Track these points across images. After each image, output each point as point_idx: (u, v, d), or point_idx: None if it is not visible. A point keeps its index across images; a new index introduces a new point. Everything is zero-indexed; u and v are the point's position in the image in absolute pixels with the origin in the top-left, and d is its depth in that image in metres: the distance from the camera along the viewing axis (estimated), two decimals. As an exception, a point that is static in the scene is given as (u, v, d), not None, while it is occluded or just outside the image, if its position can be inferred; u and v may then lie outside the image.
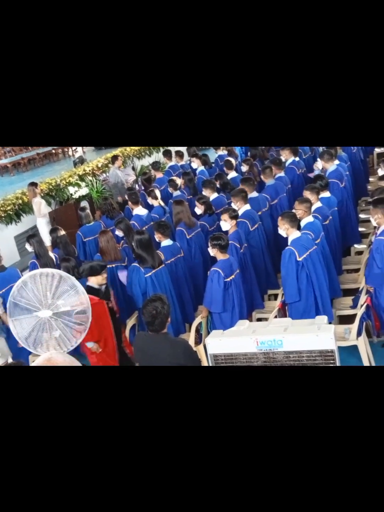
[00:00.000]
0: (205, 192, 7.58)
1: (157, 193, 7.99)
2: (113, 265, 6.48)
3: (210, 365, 4.26)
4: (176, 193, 8.31)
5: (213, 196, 7.53)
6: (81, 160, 12.26)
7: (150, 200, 8.00)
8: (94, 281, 5.12)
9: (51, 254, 6.70)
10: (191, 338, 5.41)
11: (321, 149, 9.70)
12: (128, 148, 12.43)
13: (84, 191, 10.10)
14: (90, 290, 4.79)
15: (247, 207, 6.54)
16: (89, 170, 10.97)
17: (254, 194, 7.11)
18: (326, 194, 6.62)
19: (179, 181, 8.46)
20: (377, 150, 11.63)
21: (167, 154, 10.53)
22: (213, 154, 10.97)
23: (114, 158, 10.42)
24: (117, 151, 12.15)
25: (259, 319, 6.02)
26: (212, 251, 5.35)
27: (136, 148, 12.59)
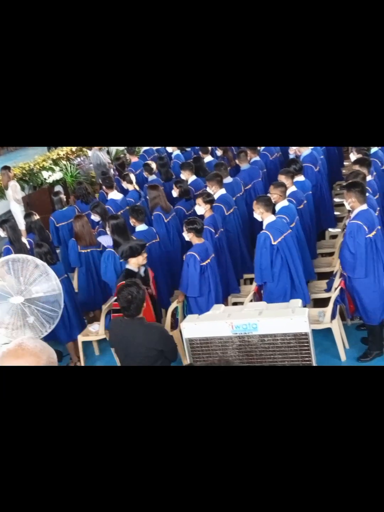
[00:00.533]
0: (183, 175, 7.55)
1: (132, 177, 7.92)
2: (89, 250, 6.43)
3: (186, 349, 4.28)
4: (151, 177, 8.25)
5: (191, 178, 7.50)
6: (55, 144, 12.09)
7: (125, 184, 7.93)
8: (134, 263, 4.90)
9: (25, 240, 6.61)
10: (166, 322, 5.41)
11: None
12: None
13: (58, 175, 9.98)
14: (128, 274, 4.71)
15: (223, 191, 6.53)
16: (63, 155, 10.81)
17: (228, 178, 7.10)
18: (300, 178, 6.65)
19: (154, 165, 8.40)
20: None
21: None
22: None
23: None
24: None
25: (235, 303, 6.04)
26: (187, 236, 5.34)
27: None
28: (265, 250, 5.22)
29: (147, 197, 7.07)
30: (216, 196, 6.40)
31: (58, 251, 7.55)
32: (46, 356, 1.83)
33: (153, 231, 6.22)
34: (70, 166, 10.41)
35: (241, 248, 6.59)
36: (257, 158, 8.03)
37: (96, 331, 5.99)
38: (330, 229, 7.57)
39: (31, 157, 11.34)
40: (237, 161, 7.71)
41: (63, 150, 11.00)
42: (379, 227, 5.17)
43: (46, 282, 3.70)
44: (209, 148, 8.85)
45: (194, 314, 4.66)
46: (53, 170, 10.23)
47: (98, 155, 10.12)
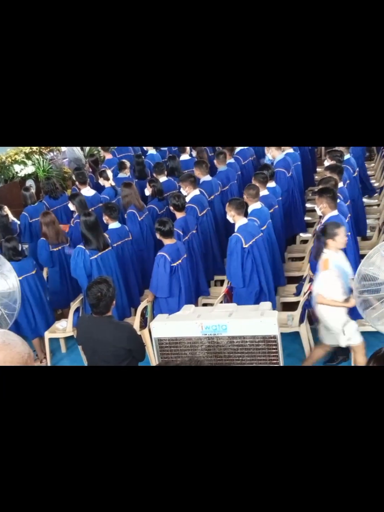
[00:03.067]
0: (156, 176, 7.54)
1: (109, 173, 7.86)
2: (59, 248, 6.34)
3: (154, 349, 4.25)
4: (124, 175, 8.20)
5: (162, 179, 7.48)
6: (28, 138, 11.90)
7: (101, 181, 7.87)
8: None
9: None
10: (136, 322, 5.38)
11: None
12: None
13: (30, 169, 9.82)
14: None
15: (196, 192, 6.52)
16: (36, 149, 10.65)
17: (207, 177, 7.10)
18: (272, 184, 6.70)
19: (128, 163, 8.35)
20: (325, 141, 11.84)
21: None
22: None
23: None
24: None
25: (204, 305, 6.05)
26: (157, 235, 5.33)
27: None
28: (236, 253, 5.23)
29: (120, 194, 7.03)
30: (189, 197, 6.40)
31: (26, 246, 7.41)
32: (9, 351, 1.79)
33: (125, 229, 6.18)
34: (43, 161, 10.26)
35: (212, 250, 6.60)
36: (232, 160, 8.06)
37: (63, 328, 5.92)
38: (301, 234, 7.65)
39: (3, 150, 11.13)
40: (215, 162, 7.72)
41: (36, 144, 10.85)
42: (349, 233, 5.24)
43: (4, 279, 3.64)
44: (187, 147, 8.85)
45: (164, 314, 4.64)
46: (25, 164, 10.05)
47: (74, 150, 10.03)
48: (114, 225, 6.01)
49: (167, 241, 5.28)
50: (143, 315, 5.53)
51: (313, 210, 7.61)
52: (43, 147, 10.72)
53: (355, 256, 5.58)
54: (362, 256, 5.54)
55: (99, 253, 5.55)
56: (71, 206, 6.73)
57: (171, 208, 5.95)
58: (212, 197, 6.95)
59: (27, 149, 10.53)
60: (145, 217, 6.62)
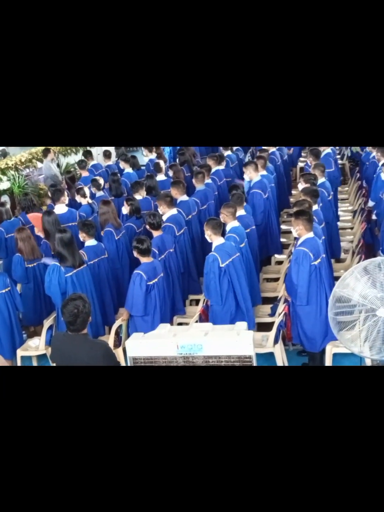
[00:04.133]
0: (134, 194, 7.57)
1: (86, 191, 7.85)
2: (35, 264, 6.27)
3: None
4: (99, 193, 8.20)
5: (139, 197, 7.51)
6: (4, 154, 11.80)
7: (78, 198, 7.84)
8: None
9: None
10: (110, 340, 5.33)
11: (247, 159, 9.93)
12: (54, 145, 12.14)
13: (5, 185, 9.74)
14: None
15: (174, 211, 6.55)
16: (12, 164, 10.58)
17: (184, 197, 7.14)
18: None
19: (102, 181, 8.36)
20: (300, 164, 12.05)
21: (89, 155, 10.39)
22: (141, 157, 10.94)
23: (47, 151, 10.21)
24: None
25: (180, 324, 6.03)
26: (134, 253, 5.33)
27: (63, 145, 12.32)
28: (213, 272, 5.25)
29: (98, 212, 7.01)
30: (166, 216, 6.42)
31: (0, 262, 7.31)
32: None
33: (102, 246, 6.16)
34: (18, 177, 10.18)
35: (189, 269, 6.61)
36: (210, 180, 8.13)
37: (36, 346, 5.82)
38: (276, 255, 7.71)
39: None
40: (193, 181, 7.78)
41: (12, 160, 10.77)
42: (324, 255, 5.32)
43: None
44: (163, 167, 8.90)
45: (139, 332, 4.61)
46: (0, 180, 9.98)
47: (50, 166, 9.99)
48: (90, 242, 5.98)
49: (144, 259, 5.28)
50: (117, 333, 5.49)
51: (288, 232, 7.70)
52: (19, 163, 10.67)
53: (329, 278, 5.64)
54: (336, 278, 5.63)
55: (74, 271, 5.50)
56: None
57: (147, 226, 5.96)
58: (189, 217, 6.99)
59: (2, 164, 10.46)
60: (121, 236, 6.61)
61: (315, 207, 6.20)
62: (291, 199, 9.83)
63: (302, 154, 12.94)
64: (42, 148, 11.58)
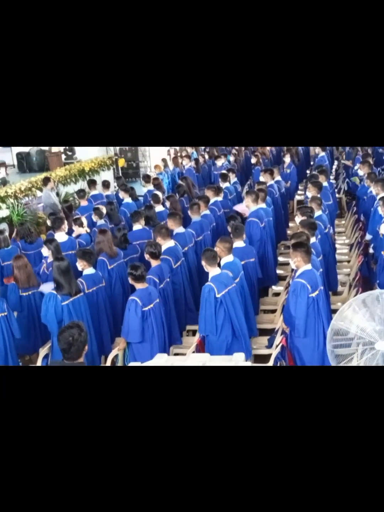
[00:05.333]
0: (133, 223, 7.62)
1: (84, 220, 7.91)
2: (30, 292, 6.25)
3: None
4: (100, 221, 8.24)
5: (137, 227, 7.55)
6: (3, 182, 11.88)
7: (75, 228, 7.89)
8: None
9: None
10: (106, 370, 5.27)
11: (244, 192, 10.01)
12: (53, 174, 12.23)
13: (4, 212, 9.77)
14: None
15: (171, 243, 6.57)
16: (11, 193, 10.64)
17: (180, 229, 7.17)
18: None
19: (104, 209, 8.41)
20: (298, 197, 12.17)
21: (92, 184, 10.48)
22: (140, 188, 11.04)
23: (46, 179, 10.31)
24: (47, 174, 12.01)
25: (176, 354, 5.98)
26: (130, 280, 5.34)
27: (62, 174, 12.41)
28: (209, 303, 5.24)
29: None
30: (163, 248, 6.43)
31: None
32: None
33: (100, 275, 6.16)
34: (18, 205, 10.23)
35: (186, 300, 6.59)
36: (207, 211, 8.17)
37: (30, 375, 5.74)
38: (273, 287, 7.71)
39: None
40: (189, 213, 7.82)
41: (11, 188, 10.84)
42: (321, 288, 5.32)
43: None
44: (161, 197, 8.97)
45: (136, 362, 4.57)
46: (-1, 208, 10.01)
47: (50, 195, 10.06)
48: (89, 270, 5.97)
49: (138, 286, 5.29)
50: (113, 363, 5.43)
51: (286, 264, 7.72)
52: (18, 191, 10.73)
53: (327, 311, 5.63)
54: (334, 310, 5.63)
55: (71, 299, 5.48)
56: (45, 251, 6.68)
57: (147, 256, 5.97)
58: (186, 248, 7.00)
59: (2, 192, 10.51)
60: (116, 266, 6.61)
61: (312, 239, 6.23)
62: (289, 232, 9.88)
63: (300, 187, 13.08)
64: (41, 176, 11.69)
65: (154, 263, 5.95)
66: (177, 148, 17.89)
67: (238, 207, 9.03)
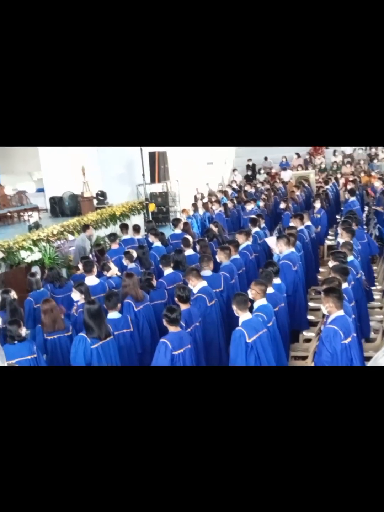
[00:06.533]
0: (162, 267, 7.66)
1: (111, 265, 7.99)
2: (55, 336, 6.26)
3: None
4: (131, 265, 8.31)
5: (167, 271, 7.57)
6: (36, 225, 12.17)
7: (104, 272, 7.99)
8: None
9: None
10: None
11: (275, 235, 10.00)
12: (85, 218, 12.48)
13: (36, 256, 9.94)
14: None
15: (203, 283, 6.57)
16: (44, 236, 10.86)
17: (208, 272, 7.15)
18: (277, 280, 6.74)
19: (135, 253, 8.49)
20: (328, 242, 12.10)
21: (124, 228, 10.63)
22: (170, 231, 11.14)
23: (86, 226, 10.60)
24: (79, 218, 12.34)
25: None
26: (164, 322, 5.30)
27: (94, 218, 12.64)
28: (240, 348, 5.16)
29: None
30: (197, 288, 6.44)
31: (26, 331, 7.33)
32: None
33: (125, 319, 6.13)
34: (50, 248, 10.41)
35: (219, 340, 6.51)
36: (237, 256, 8.16)
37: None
38: (304, 333, 7.58)
39: (11, 235, 11.35)
40: (217, 257, 7.82)
41: (44, 232, 11.07)
42: (354, 334, 5.20)
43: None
44: (191, 241, 9.01)
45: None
46: (31, 250, 10.20)
47: (85, 239, 10.25)
48: (113, 315, 5.99)
49: (171, 329, 5.25)
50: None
51: (316, 309, 7.60)
52: (50, 235, 10.95)
53: (360, 358, 5.48)
54: (367, 358, 5.48)
55: (100, 342, 5.48)
56: (75, 296, 6.74)
57: (176, 299, 5.96)
58: (215, 290, 6.98)
59: (34, 236, 10.74)
60: (143, 308, 6.61)
61: (344, 285, 6.14)
62: (319, 277, 9.78)
63: (330, 232, 13.02)
64: (73, 221, 11.93)
65: (183, 306, 5.93)
66: (206, 192, 18.12)
67: (269, 240, 9.05)
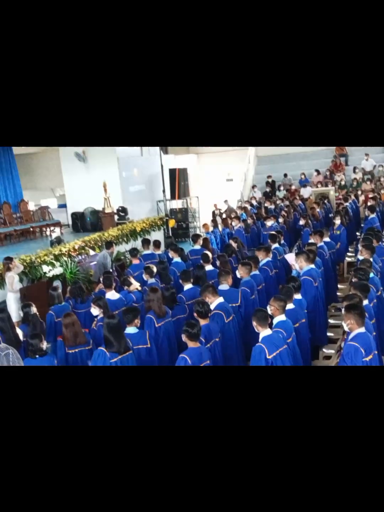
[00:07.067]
0: (182, 283, 7.69)
1: (132, 280, 8.06)
2: (77, 350, 6.31)
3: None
4: (151, 280, 8.36)
5: (187, 286, 7.60)
6: (58, 241, 12.33)
7: (125, 287, 8.05)
8: None
9: (18, 330, 6.53)
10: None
11: (294, 252, 9.99)
12: (106, 233, 12.62)
13: (58, 270, 10.08)
14: None
15: (220, 299, 6.57)
16: (66, 251, 11.00)
17: (225, 286, 7.16)
18: (298, 296, 6.73)
19: (155, 268, 8.54)
20: (348, 259, 12.03)
21: (146, 243, 10.71)
22: (189, 247, 11.20)
23: (109, 244, 10.72)
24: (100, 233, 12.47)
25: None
26: (183, 337, 5.31)
27: (114, 233, 12.78)
28: (260, 364, 5.15)
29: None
30: (213, 305, 6.44)
31: (47, 345, 7.41)
32: None
33: (143, 335, 6.15)
34: (71, 263, 10.54)
35: (238, 356, 6.50)
36: (257, 272, 8.17)
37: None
38: (324, 350, 7.53)
39: (33, 250, 11.52)
40: (239, 273, 7.82)
41: (66, 247, 11.21)
42: (375, 352, 5.15)
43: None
44: (210, 257, 9.03)
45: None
46: (53, 265, 10.34)
47: (107, 256, 10.35)
48: (131, 330, 6.01)
49: (191, 344, 5.25)
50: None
51: (336, 326, 7.55)
52: (72, 250, 11.09)
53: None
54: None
55: (119, 356, 5.51)
56: (93, 310, 6.81)
57: (195, 314, 5.97)
58: (233, 304, 6.98)
59: (56, 251, 10.89)
60: (164, 324, 6.63)
61: (365, 302, 6.11)
62: (339, 293, 9.72)
63: (350, 249, 12.95)
64: (95, 236, 12.06)
65: (202, 322, 5.93)
66: (225, 208, 18.18)
67: (289, 257, 9.03)
